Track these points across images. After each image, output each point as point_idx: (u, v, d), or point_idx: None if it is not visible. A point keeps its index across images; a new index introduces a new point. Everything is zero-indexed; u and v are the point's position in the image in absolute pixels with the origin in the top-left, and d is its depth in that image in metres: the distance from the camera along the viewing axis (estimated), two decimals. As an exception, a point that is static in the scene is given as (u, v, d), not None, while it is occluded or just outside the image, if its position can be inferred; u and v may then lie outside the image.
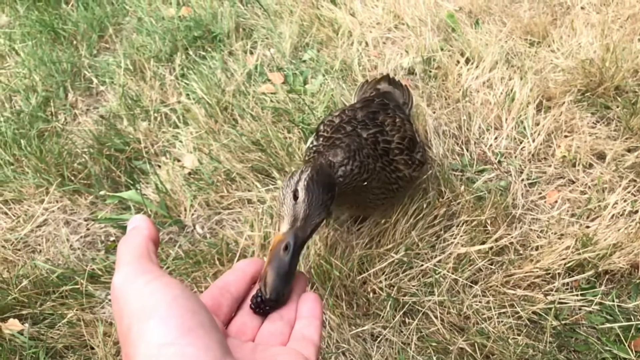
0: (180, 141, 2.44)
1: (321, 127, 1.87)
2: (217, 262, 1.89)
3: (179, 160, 2.36)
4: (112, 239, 2.14)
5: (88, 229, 2.16)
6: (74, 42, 3.04)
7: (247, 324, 0.71)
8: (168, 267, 1.93)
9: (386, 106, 1.97)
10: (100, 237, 2.14)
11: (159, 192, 2.16)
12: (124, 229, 2.12)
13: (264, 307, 0.73)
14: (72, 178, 2.24)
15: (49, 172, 2.22)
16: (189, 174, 2.29)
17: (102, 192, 2.21)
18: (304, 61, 2.96)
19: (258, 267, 0.78)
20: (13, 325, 1.77)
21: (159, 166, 2.33)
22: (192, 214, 2.17)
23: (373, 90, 2.30)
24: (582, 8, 3.06)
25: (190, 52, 2.94)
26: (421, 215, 1.92)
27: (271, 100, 2.62)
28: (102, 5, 3.28)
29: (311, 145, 1.85)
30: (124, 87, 2.66)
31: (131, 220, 0.64)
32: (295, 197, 1.17)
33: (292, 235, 0.96)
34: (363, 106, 1.93)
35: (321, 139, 1.79)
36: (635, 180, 2.12)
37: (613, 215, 1.99)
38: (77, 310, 1.77)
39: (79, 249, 2.08)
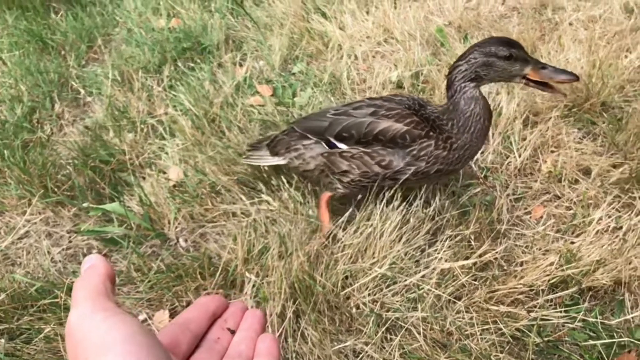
0: (166, 153, 2.43)
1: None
2: (198, 277, 1.87)
3: (164, 172, 2.35)
4: (94, 251, 2.11)
5: (70, 242, 2.14)
6: (62, 53, 3.03)
7: None
8: (150, 281, 1.90)
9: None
10: (83, 250, 2.11)
11: (143, 205, 2.15)
12: (107, 241, 2.10)
13: None
14: (56, 189, 2.22)
15: (32, 183, 2.20)
16: (174, 186, 2.28)
17: (85, 204, 2.19)
18: (294, 74, 2.96)
19: (220, 303, 0.76)
20: (-11, 340, 1.74)
21: (144, 178, 2.31)
22: (176, 227, 2.15)
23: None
24: (570, 24, 3.09)
25: (179, 64, 2.94)
26: (406, 227, 1.91)
27: (259, 113, 2.61)
28: (91, 15, 3.28)
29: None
30: (110, 98, 2.65)
31: (86, 260, 0.64)
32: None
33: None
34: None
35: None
36: (619, 196, 2.12)
37: (597, 231, 1.98)
38: (54, 325, 1.74)
39: (60, 261, 2.05)
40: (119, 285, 1.92)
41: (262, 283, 1.83)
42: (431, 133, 1.80)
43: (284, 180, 2.11)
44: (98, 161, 2.37)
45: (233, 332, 0.73)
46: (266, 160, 2.12)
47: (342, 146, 1.90)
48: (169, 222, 2.15)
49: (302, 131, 1.98)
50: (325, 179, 1.98)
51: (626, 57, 2.77)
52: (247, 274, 1.84)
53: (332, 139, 1.90)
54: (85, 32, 3.10)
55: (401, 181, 1.87)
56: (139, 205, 2.18)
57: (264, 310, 0.86)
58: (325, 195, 2.01)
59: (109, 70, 2.82)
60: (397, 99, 1.93)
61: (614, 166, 2.25)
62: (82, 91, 2.79)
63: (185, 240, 2.13)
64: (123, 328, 0.54)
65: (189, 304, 1.87)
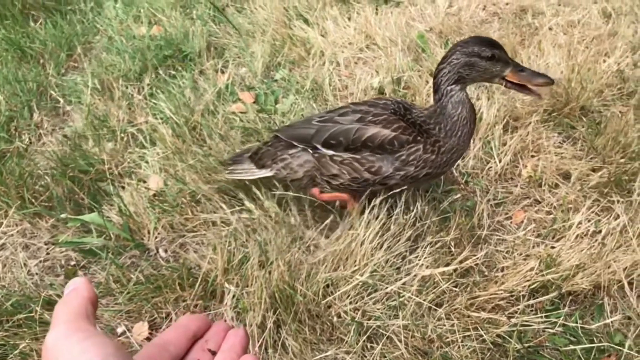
0: (147, 162, 2.40)
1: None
2: (178, 288, 1.84)
3: (144, 182, 2.33)
4: (72, 263, 2.08)
5: (48, 253, 2.11)
6: (41, 61, 3.00)
7: None
8: (129, 292, 1.88)
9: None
10: (60, 262, 2.08)
11: (123, 215, 2.12)
12: (85, 252, 2.07)
13: None
14: (33, 200, 2.19)
15: (9, 194, 2.17)
16: (154, 195, 2.25)
17: (63, 215, 2.16)
18: (276, 80, 2.95)
19: (202, 323, 0.75)
20: (-37, 357, 1.71)
21: (123, 187, 2.29)
22: (156, 237, 2.13)
23: None
24: (550, 29, 3.12)
25: (160, 71, 2.92)
26: (387, 234, 1.91)
27: (241, 120, 2.60)
28: (71, 23, 3.25)
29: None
30: (90, 107, 2.62)
31: (70, 283, 0.65)
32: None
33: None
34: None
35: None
36: (599, 200, 2.13)
37: (577, 235, 1.99)
38: (30, 340, 1.71)
39: (36, 274, 2.02)
40: (98, 297, 1.89)
41: (242, 293, 1.81)
42: (419, 137, 1.81)
43: (265, 188, 2.10)
44: (77, 171, 2.34)
45: (214, 353, 0.72)
46: (252, 173, 2.10)
47: (331, 152, 1.89)
48: (149, 232, 2.13)
49: (288, 139, 1.97)
50: (314, 183, 1.98)
51: (604, 61, 2.80)
52: (226, 285, 1.82)
53: (319, 146, 1.90)
54: (65, 41, 3.07)
55: (390, 185, 1.88)
56: (118, 215, 2.15)
57: (246, 330, 0.85)
58: (314, 190, 2.01)
59: (88, 79, 2.79)
60: (381, 103, 1.93)
61: (594, 170, 2.27)
62: (62, 100, 2.76)
63: (165, 251, 2.10)
64: (97, 350, 0.54)
65: (168, 315, 1.85)
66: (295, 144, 1.96)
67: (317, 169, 1.92)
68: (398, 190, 1.92)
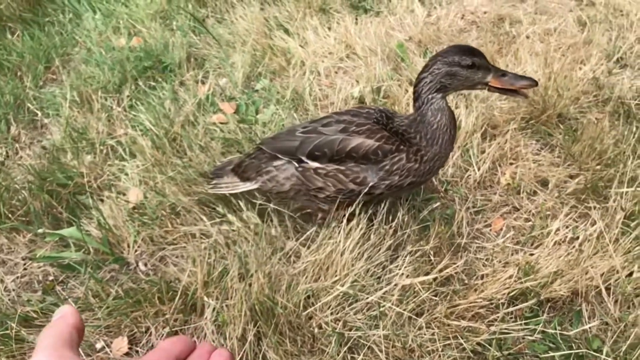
0: (126, 174, 2.38)
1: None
2: (157, 302, 1.83)
3: (124, 194, 2.31)
4: (50, 278, 2.06)
5: (25, 269, 2.08)
6: (19, 74, 2.97)
7: None
8: (108, 307, 1.85)
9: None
10: (38, 277, 2.05)
11: (102, 228, 2.10)
12: (63, 267, 2.04)
13: None
14: (10, 215, 2.16)
15: (-15, 209, 2.14)
16: (134, 208, 2.24)
17: (41, 230, 2.13)
18: (257, 91, 2.95)
19: (185, 346, 0.74)
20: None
21: (102, 201, 2.27)
22: (136, 251, 2.11)
23: None
24: (527, 37, 3.16)
25: (140, 83, 2.90)
26: (367, 244, 1.91)
27: (221, 131, 2.59)
28: (50, 35, 3.22)
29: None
30: (68, 120, 2.60)
31: (58, 310, 0.65)
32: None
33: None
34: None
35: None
36: (576, 207, 2.16)
37: (555, 242, 2.02)
38: (6, 357, 1.68)
39: (13, 290, 1.99)
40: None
41: (222, 306, 1.80)
42: (402, 147, 1.82)
43: (245, 199, 2.09)
44: (55, 184, 2.32)
45: None
46: (236, 187, 2.08)
47: (315, 165, 1.89)
48: (129, 246, 2.11)
49: (272, 152, 1.96)
50: (303, 197, 1.97)
51: (580, 69, 2.85)
52: (206, 299, 1.81)
53: (304, 158, 1.89)
54: (43, 53, 3.05)
55: (376, 195, 1.89)
56: (97, 229, 2.13)
57: (231, 352, 0.84)
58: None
59: (67, 91, 2.77)
60: (364, 112, 1.93)
61: (571, 177, 2.30)
62: (39, 113, 2.73)
63: (145, 264, 2.08)
64: None
65: (147, 330, 1.83)
66: (279, 156, 1.96)
67: (302, 182, 1.92)
68: (382, 199, 1.92)
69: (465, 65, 1.72)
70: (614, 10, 3.41)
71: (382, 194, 1.89)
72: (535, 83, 1.74)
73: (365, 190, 1.86)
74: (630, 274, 1.88)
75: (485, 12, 3.44)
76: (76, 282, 2.02)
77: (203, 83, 2.96)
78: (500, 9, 3.46)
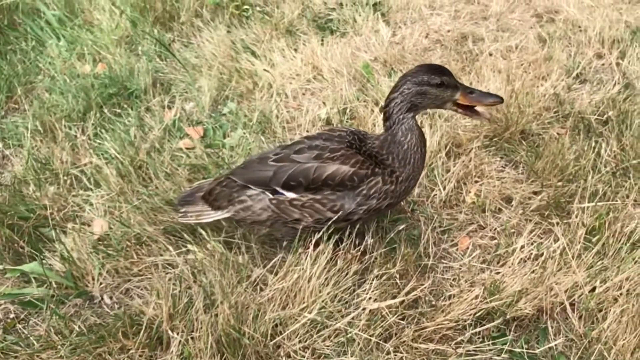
0: (91, 204, 2.35)
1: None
2: (121, 337, 1.79)
3: (88, 225, 2.27)
4: (11, 316, 2.00)
5: (-15, 307, 2.02)
6: (-21, 104, 2.91)
7: None
8: (71, 344, 1.81)
9: None
10: (-2, 315, 2.00)
11: (65, 262, 2.06)
12: (25, 304, 1.99)
13: None
14: (-31, 252, 2.10)
15: (-58, 247, 2.08)
16: (98, 239, 2.20)
17: (1, 266, 2.08)
18: (224, 114, 2.95)
19: None
20: None
21: (65, 233, 2.22)
22: (100, 283, 2.07)
23: None
24: (490, 54, 3.22)
25: (105, 110, 2.87)
26: (334, 270, 1.91)
27: (188, 156, 2.57)
28: (12, 64, 3.18)
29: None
30: (30, 151, 2.55)
31: None
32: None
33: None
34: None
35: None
36: (540, 223, 2.19)
37: (520, 259, 2.04)
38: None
39: (-28, 330, 1.93)
40: (38, 351, 1.81)
41: (188, 339, 1.77)
42: (377, 170, 1.83)
43: (210, 228, 2.07)
44: (16, 218, 2.26)
45: None
46: (208, 215, 2.04)
47: (291, 195, 1.88)
48: (93, 279, 2.07)
49: (245, 183, 1.94)
50: (283, 227, 1.96)
51: (542, 85, 2.91)
52: (171, 333, 1.78)
53: (279, 189, 1.87)
54: (5, 82, 3.00)
55: (354, 220, 1.89)
56: (61, 262, 2.09)
57: None
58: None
59: (29, 121, 2.72)
60: (336, 135, 1.93)
61: (535, 193, 2.33)
62: (0, 144, 2.68)
63: (110, 297, 2.04)
64: None
65: (112, 367, 1.79)
66: (252, 187, 1.95)
67: (278, 214, 1.91)
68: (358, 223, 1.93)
69: (434, 84, 1.75)
70: (573, 26, 3.50)
71: (360, 218, 1.90)
72: (501, 100, 1.78)
73: (343, 217, 1.86)
74: (593, 289, 1.91)
75: (448, 31, 3.51)
76: (38, 320, 1.97)
77: (169, 108, 2.94)
78: (464, 27, 3.53)
